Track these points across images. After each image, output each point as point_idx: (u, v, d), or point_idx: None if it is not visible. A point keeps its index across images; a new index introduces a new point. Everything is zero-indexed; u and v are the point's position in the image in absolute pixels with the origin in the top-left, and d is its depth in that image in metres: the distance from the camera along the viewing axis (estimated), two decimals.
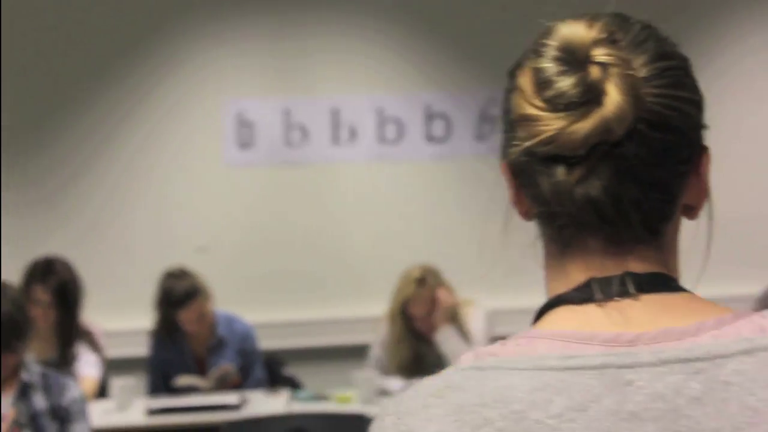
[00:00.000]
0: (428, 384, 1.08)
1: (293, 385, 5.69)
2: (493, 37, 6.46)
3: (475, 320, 5.46)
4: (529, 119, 1.08)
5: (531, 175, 1.10)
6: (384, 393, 5.29)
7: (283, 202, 6.47)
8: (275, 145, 6.47)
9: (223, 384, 5.42)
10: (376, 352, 5.59)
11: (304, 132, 6.50)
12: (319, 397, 5.36)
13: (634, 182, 1.08)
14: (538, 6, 5.91)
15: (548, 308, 1.12)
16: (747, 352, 1.03)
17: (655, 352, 1.04)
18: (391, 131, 6.52)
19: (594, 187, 1.08)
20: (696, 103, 1.12)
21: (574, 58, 1.08)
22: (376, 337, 5.58)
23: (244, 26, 6.44)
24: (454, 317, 5.42)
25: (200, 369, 5.53)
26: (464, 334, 5.40)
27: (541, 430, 1.01)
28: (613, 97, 1.06)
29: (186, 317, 5.38)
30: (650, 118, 1.07)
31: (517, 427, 1.01)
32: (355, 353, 6.04)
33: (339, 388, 5.43)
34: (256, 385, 5.55)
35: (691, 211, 1.15)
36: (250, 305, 6.17)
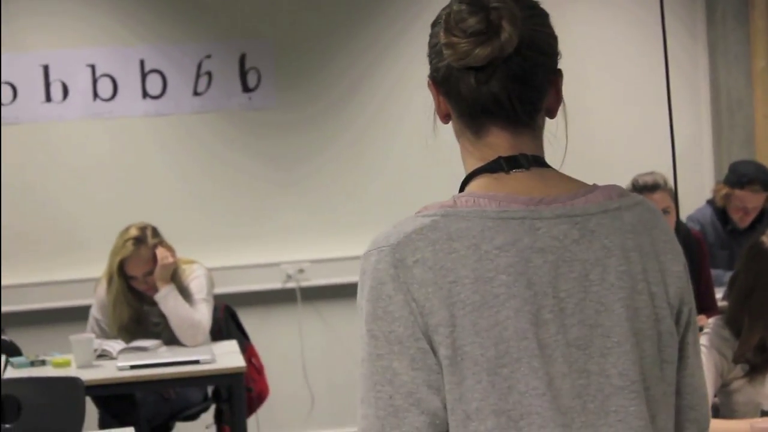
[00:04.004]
0: (407, 225, 1.62)
1: (12, 351, 5.51)
2: None
3: (195, 279, 5.43)
4: (450, 44, 1.64)
5: (453, 83, 1.67)
6: (104, 356, 5.21)
7: None
8: None
9: None
10: (94, 314, 5.48)
11: (14, 90, 6.28)
12: (37, 363, 5.23)
13: (518, 83, 1.65)
14: None
15: (471, 178, 1.69)
16: (603, 212, 1.66)
17: (551, 209, 1.64)
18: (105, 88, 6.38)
19: (494, 86, 1.65)
20: (554, 38, 1.70)
21: (479, 3, 1.64)
22: (94, 298, 5.47)
23: None
24: (174, 276, 5.36)
25: None
26: (185, 293, 5.36)
27: (488, 255, 1.59)
28: (507, 29, 1.62)
29: None
30: (527, 42, 1.64)
31: (473, 253, 1.59)
32: (75, 316, 5.92)
33: (59, 353, 5.32)
34: None
35: (551, 113, 1.73)
36: None
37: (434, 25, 1.71)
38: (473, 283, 1.58)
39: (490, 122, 1.68)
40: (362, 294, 1.63)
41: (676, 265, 1.70)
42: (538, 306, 1.60)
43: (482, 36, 1.63)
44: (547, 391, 1.58)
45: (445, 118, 1.73)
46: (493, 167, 1.67)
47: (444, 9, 1.69)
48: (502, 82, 1.64)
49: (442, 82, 1.69)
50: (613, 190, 1.69)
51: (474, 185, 1.68)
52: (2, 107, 6.25)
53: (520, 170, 1.67)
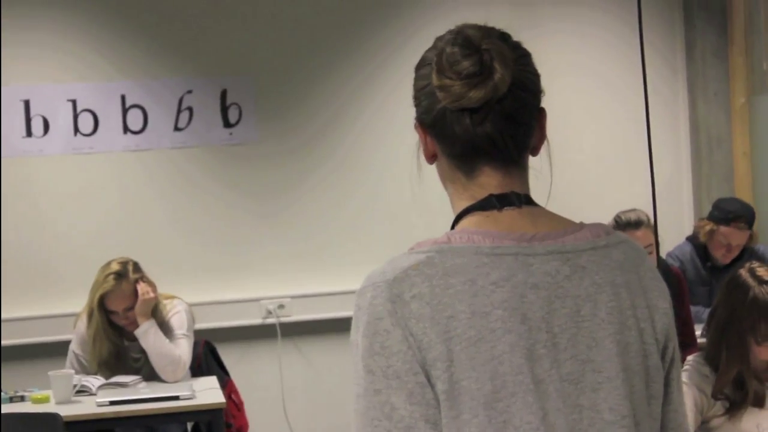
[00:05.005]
0: (402, 261, 1.64)
1: None
2: (189, 26, 6.43)
3: (176, 314, 5.41)
4: (443, 87, 1.67)
5: (448, 125, 1.69)
6: (83, 392, 5.18)
7: None
8: None
9: None
10: (73, 349, 5.45)
11: None
12: (16, 398, 5.20)
13: (510, 122, 1.69)
14: None
15: (462, 216, 1.71)
16: (593, 249, 1.70)
17: (544, 246, 1.67)
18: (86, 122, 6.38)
19: (488, 127, 1.68)
20: (538, 77, 1.74)
21: (472, 46, 1.68)
22: (74, 333, 5.45)
23: None
24: (154, 312, 5.34)
25: None
26: (165, 328, 5.34)
27: (483, 290, 1.61)
28: (499, 70, 1.66)
29: None
30: (518, 83, 1.68)
31: (470, 289, 1.61)
32: (54, 351, 5.89)
33: (38, 388, 5.29)
34: None
35: (534, 150, 1.77)
36: None
37: (420, 67, 1.74)
38: (470, 318, 1.60)
39: (482, 162, 1.71)
40: (357, 330, 1.64)
41: (663, 302, 1.75)
42: (533, 341, 1.63)
43: (476, 78, 1.66)
44: (541, 426, 1.61)
45: (431, 159, 1.76)
46: (485, 205, 1.70)
47: (430, 51, 1.73)
48: (495, 123, 1.68)
49: (434, 124, 1.71)
50: (599, 228, 1.73)
51: (466, 222, 1.71)
52: None
53: (511, 208, 1.70)
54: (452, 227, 1.73)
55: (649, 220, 5.43)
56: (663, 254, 5.93)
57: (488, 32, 1.71)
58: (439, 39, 1.74)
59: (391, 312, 1.61)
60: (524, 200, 1.72)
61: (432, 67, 1.70)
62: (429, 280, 1.61)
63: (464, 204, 1.73)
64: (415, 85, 1.74)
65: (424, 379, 1.59)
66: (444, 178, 1.77)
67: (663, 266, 5.28)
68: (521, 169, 1.74)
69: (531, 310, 1.63)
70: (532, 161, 1.77)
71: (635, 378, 1.69)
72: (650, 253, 5.03)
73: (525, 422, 1.60)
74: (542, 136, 1.77)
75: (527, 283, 1.64)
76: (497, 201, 1.70)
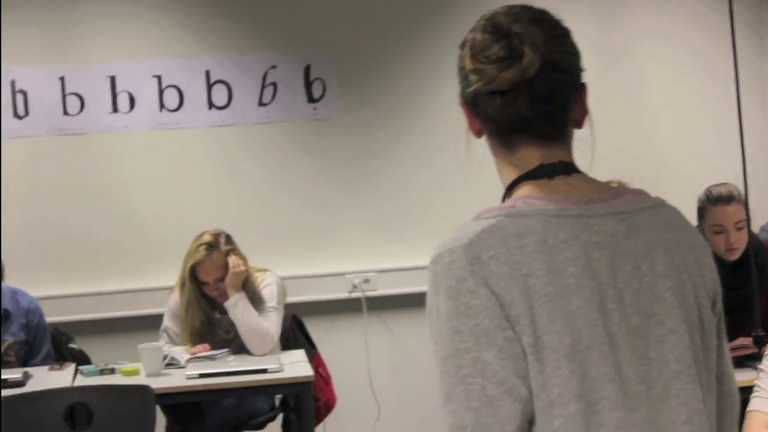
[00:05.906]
0: (472, 227, 1.72)
1: (81, 359, 5.54)
2: (273, 2, 6.43)
3: (267, 286, 5.43)
4: (476, 70, 1.77)
5: (482, 105, 1.79)
6: (172, 365, 5.21)
7: (62, 173, 6.29)
8: (51, 114, 6.27)
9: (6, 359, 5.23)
10: (165, 322, 5.49)
11: (82, 100, 6.32)
12: (106, 371, 5.24)
13: (542, 102, 1.77)
14: None
15: (514, 185, 1.80)
16: (642, 209, 1.81)
17: (600, 208, 1.77)
18: (171, 98, 6.41)
19: (520, 107, 1.77)
20: (575, 55, 1.81)
21: (500, 31, 1.77)
22: (167, 307, 5.48)
23: None
24: (245, 284, 5.36)
25: None
26: (256, 301, 5.36)
27: (555, 248, 1.70)
28: (528, 53, 1.75)
29: None
30: (550, 64, 1.76)
31: (543, 247, 1.70)
32: (143, 324, 5.95)
33: (128, 361, 5.33)
34: (44, 361, 5.37)
35: (578, 123, 1.85)
36: (36, 279, 6.04)
37: (462, 47, 1.83)
38: (546, 275, 1.69)
39: (521, 138, 1.80)
40: (438, 295, 1.71)
41: (709, 259, 1.85)
42: (602, 296, 1.72)
43: (506, 62, 1.75)
44: (617, 377, 1.70)
45: (479, 134, 1.85)
46: (536, 174, 1.80)
47: (470, 32, 1.83)
48: (527, 103, 1.76)
49: (472, 104, 1.81)
50: (642, 192, 1.85)
51: (523, 190, 1.79)
52: (69, 118, 6.30)
53: (560, 177, 1.79)
54: (504, 196, 1.82)
55: (740, 194, 5.31)
56: (755, 229, 5.83)
57: (519, 17, 1.79)
58: (479, 20, 1.84)
59: (472, 273, 1.68)
60: (571, 169, 1.81)
61: (466, 50, 1.80)
62: (503, 241, 1.69)
63: (511, 175, 1.82)
64: (457, 65, 1.84)
65: (511, 333, 1.67)
66: (492, 152, 1.86)
67: (755, 241, 5.15)
68: (562, 142, 1.82)
69: (598, 267, 1.72)
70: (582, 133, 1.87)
71: (693, 329, 1.78)
72: (741, 228, 4.93)
73: (602, 373, 1.69)
74: (583, 111, 1.84)
75: (591, 242, 1.73)
76: (548, 169, 1.79)
